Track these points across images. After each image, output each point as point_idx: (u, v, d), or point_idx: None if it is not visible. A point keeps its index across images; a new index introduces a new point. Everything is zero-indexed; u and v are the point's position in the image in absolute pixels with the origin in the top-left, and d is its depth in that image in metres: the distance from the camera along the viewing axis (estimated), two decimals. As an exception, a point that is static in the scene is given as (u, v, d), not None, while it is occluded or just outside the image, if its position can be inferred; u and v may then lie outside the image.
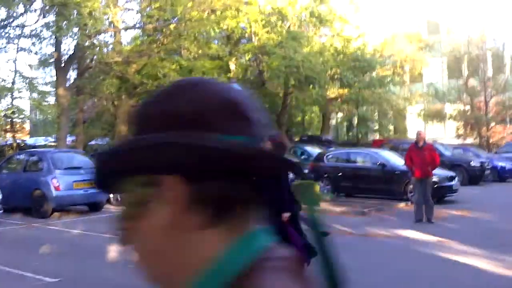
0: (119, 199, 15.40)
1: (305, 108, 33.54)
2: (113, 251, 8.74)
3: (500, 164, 22.39)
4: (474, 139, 33.76)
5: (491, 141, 32.75)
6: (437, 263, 7.55)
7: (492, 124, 33.37)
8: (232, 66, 26.71)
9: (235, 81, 18.43)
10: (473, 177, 20.29)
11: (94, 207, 14.01)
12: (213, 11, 20.63)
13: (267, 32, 26.05)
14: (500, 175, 22.11)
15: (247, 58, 27.59)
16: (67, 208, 13.99)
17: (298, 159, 22.06)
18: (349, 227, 10.84)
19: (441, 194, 14.80)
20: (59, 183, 12.96)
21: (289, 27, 28.07)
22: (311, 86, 27.62)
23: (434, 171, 14.92)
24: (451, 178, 15.13)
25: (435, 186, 14.49)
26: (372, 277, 6.78)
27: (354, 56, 29.42)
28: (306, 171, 17.06)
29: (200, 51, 23.11)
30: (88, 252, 8.67)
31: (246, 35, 27.19)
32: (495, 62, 34.50)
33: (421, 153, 11.48)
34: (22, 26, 20.57)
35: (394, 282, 6.54)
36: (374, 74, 31.17)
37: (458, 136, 34.96)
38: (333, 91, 31.60)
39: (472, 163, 20.61)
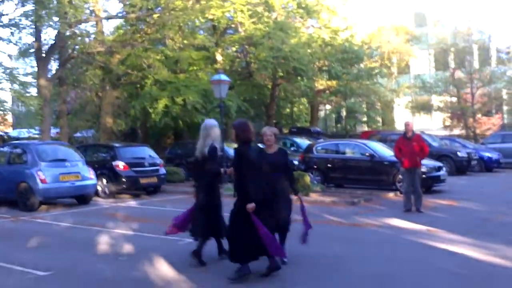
0: (106, 192, 15.29)
1: (294, 99, 33.53)
2: (103, 243, 8.66)
3: (487, 154, 22.63)
4: (461, 130, 34.10)
5: (477, 132, 33.08)
6: (426, 251, 7.60)
7: (478, 115, 33.71)
8: (219, 57, 26.54)
9: (222, 72, 18.25)
10: (460, 167, 20.50)
11: (82, 200, 13.86)
12: (197, 0, 20.39)
13: (254, 22, 25.89)
14: (487, 165, 22.36)
15: (234, 49, 27.42)
16: (55, 201, 13.84)
17: (288, 150, 22.05)
18: (339, 217, 10.88)
19: (429, 184, 14.91)
20: (45, 176, 12.74)
21: (276, 18, 27.96)
22: (299, 77, 27.60)
23: (423, 162, 15.10)
24: (439, 168, 15.22)
25: (423, 176, 14.62)
26: (361, 266, 6.79)
27: (342, 48, 29.42)
28: (296, 162, 17.06)
29: (185, 42, 22.88)
30: (78, 244, 8.56)
31: (233, 25, 26.99)
32: (481, 54, 34.78)
33: (409, 144, 11.53)
34: (0, 15, 20.19)
35: (383, 270, 6.55)
36: (362, 66, 31.23)
37: (445, 127, 35.30)
38: (321, 83, 31.64)
39: (459, 154, 20.79)
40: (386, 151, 15.96)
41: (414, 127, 12.51)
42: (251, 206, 5.93)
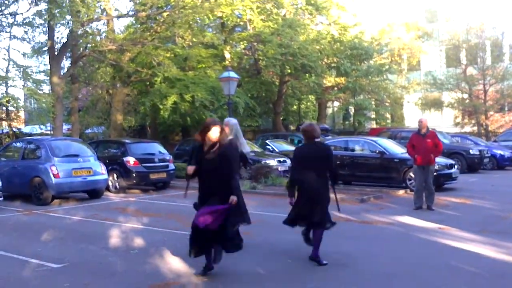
0: (117, 187, 15.42)
1: (301, 96, 33.47)
2: (115, 237, 8.74)
3: (499, 152, 22.45)
4: (472, 128, 33.88)
5: (489, 129, 32.85)
6: (437, 249, 7.55)
7: (491, 112, 33.46)
8: (227, 54, 26.57)
9: (231, 69, 18.28)
10: (472, 165, 20.38)
11: (94, 194, 14.02)
12: (207, -2, 20.47)
13: (263, 20, 25.89)
14: (499, 163, 22.19)
15: (242, 46, 27.44)
16: (67, 196, 14.00)
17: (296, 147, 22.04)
18: (348, 214, 10.81)
19: (440, 182, 14.84)
20: (58, 171, 12.91)
21: (284, 15, 27.94)
22: (307, 74, 27.56)
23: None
24: (451, 166, 15.14)
25: (435, 173, 14.57)
26: (371, 263, 6.77)
27: (351, 44, 29.34)
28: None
29: (194, 39, 22.96)
30: (90, 238, 8.64)
31: (241, 23, 27.01)
32: (494, 50, 34.50)
33: (423, 141, 11.47)
34: (14, 14, 20.41)
35: (393, 268, 6.54)
36: (371, 62, 31.12)
37: (456, 124, 35.05)
38: (329, 80, 31.55)
39: (471, 151, 20.66)
40: (396, 148, 15.92)
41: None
42: None
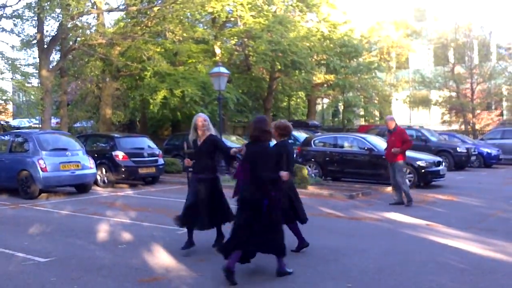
0: (106, 181, 15.35)
1: (291, 93, 33.51)
2: (103, 231, 8.70)
3: (486, 150, 22.69)
4: (460, 126, 34.16)
5: (476, 127, 33.13)
6: (425, 246, 7.61)
7: (478, 111, 33.74)
8: (218, 50, 26.51)
9: (221, 64, 18.24)
10: (459, 162, 20.57)
11: (82, 188, 13.93)
12: (198, -7, 20.40)
13: (253, 16, 25.87)
14: (486, 161, 22.43)
15: (233, 42, 27.38)
16: (54, 190, 13.90)
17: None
18: (337, 210, 10.90)
19: (428, 179, 14.97)
20: (45, 164, 12.80)
21: (275, 11, 27.91)
22: (297, 71, 27.58)
23: (421, 157, 15.21)
24: (438, 164, 15.26)
25: (423, 171, 14.70)
26: (360, 259, 6.81)
27: (340, 42, 29.40)
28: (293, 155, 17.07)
29: (185, 34, 22.87)
30: (77, 232, 8.59)
31: (232, 18, 26.96)
32: (481, 50, 34.76)
33: (389, 138, 11.76)
34: (3, 6, 20.18)
35: (381, 263, 6.58)
36: (361, 60, 31.23)
37: (443, 122, 35.32)
38: (319, 77, 31.60)
39: (459, 149, 20.84)
40: (384, 146, 15.97)
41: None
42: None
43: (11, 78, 21.15)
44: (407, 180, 12.33)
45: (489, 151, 22.68)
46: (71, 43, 20.96)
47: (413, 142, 12.46)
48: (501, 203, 11.99)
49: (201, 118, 7.14)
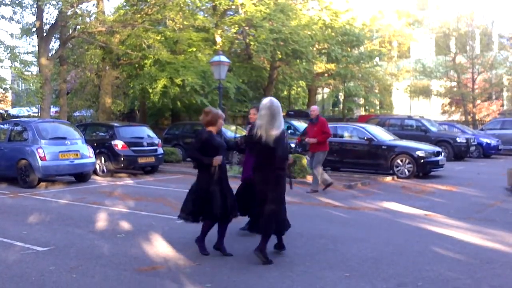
0: (105, 170, 15.36)
1: (292, 82, 33.42)
2: (102, 220, 8.72)
3: (486, 140, 22.67)
4: (460, 116, 34.09)
5: (476, 118, 33.08)
6: (423, 235, 7.62)
7: (478, 101, 33.68)
8: (218, 38, 26.39)
9: (221, 53, 18.17)
10: (459, 153, 20.56)
11: (81, 177, 13.93)
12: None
13: (255, 4, 25.71)
14: (485, 151, 22.42)
15: (233, 30, 27.24)
16: (53, 179, 13.90)
17: (286, 133, 22.06)
18: (336, 200, 10.92)
19: (427, 169, 14.98)
20: (44, 153, 12.79)
21: (276, -1, 27.75)
22: (298, 60, 27.47)
23: (420, 147, 15.24)
24: (438, 154, 15.26)
25: (422, 161, 14.71)
26: (358, 248, 6.82)
27: (342, 31, 29.25)
28: (293, 145, 17.05)
29: (185, 22, 22.74)
30: (76, 221, 8.60)
31: (233, 6, 26.80)
32: (483, 39, 34.61)
33: (312, 128, 11.89)
34: (3, -7, 20.08)
35: (379, 253, 6.59)
36: (362, 49, 31.08)
37: (444, 112, 35.26)
38: (320, 66, 31.49)
39: (458, 139, 20.83)
40: (384, 136, 16.02)
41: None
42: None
43: (10, 66, 21.09)
44: (323, 171, 12.35)
45: (488, 141, 22.67)
46: (70, 31, 20.86)
47: (331, 135, 12.59)
48: (500, 193, 11.99)
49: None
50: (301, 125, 21.88)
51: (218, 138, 6.63)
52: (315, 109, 12.37)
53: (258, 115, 6.36)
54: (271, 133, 6.11)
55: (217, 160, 6.31)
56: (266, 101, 6.35)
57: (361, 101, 34.33)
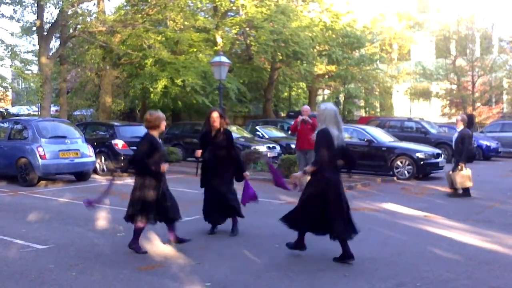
0: (105, 169, 15.37)
1: (292, 84, 33.46)
2: (101, 219, 8.72)
3: (485, 143, 22.67)
4: (460, 119, 34.01)
5: (476, 120, 33.08)
6: (422, 236, 7.63)
7: (478, 104, 33.70)
8: (219, 39, 26.43)
9: (222, 54, 18.20)
10: (458, 155, 20.52)
11: (81, 176, 13.95)
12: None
13: (256, 5, 25.75)
14: (485, 154, 22.41)
15: (234, 31, 27.29)
16: (53, 177, 13.92)
17: (286, 134, 22.11)
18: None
19: (427, 171, 14.99)
20: (44, 152, 12.82)
21: (277, 0, 27.79)
22: (298, 61, 27.51)
23: (420, 149, 15.28)
24: (437, 155, 15.28)
25: (422, 162, 14.72)
26: (357, 249, 6.79)
27: (343, 33, 29.30)
28: (293, 146, 17.08)
29: (186, 23, 22.81)
30: (76, 220, 8.62)
31: (234, 7, 26.84)
32: (483, 42, 34.64)
33: (305, 127, 11.98)
34: (4, -8, 20.13)
35: (378, 253, 6.61)
36: (363, 51, 31.13)
37: (444, 114, 35.29)
38: (320, 67, 31.53)
39: (458, 142, 20.79)
40: (384, 137, 16.02)
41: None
42: None
43: (10, 65, 21.13)
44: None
45: (488, 143, 22.67)
46: (71, 30, 20.91)
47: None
48: (499, 195, 12.03)
49: None
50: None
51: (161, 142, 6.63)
52: (307, 109, 12.54)
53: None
54: None
55: (164, 167, 6.39)
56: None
57: (362, 103, 34.36)
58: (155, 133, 6.50)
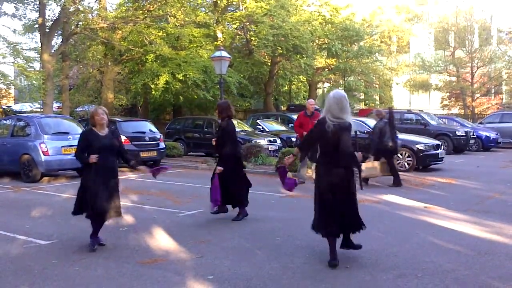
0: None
1: (292, 77, 33.48)
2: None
3: (485, 134, 22.74)
4: (459, 110, 34.10)
5: (475, 111, 33.11)
6: (422, 227, 7.65)
7: (477, 95, 33.69)
8: (219, 34, 26.44)
9: (223, 49, 18.24)
10: (458, 146, 20.62)
11: (84, 172, 13.99)
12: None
13: (255, 0, 25.75)
14: (485, 145, 22.49)
15: (234, 26, 27.29)
16: (56, 173, 13.99)
17: (286, 127, 22.16)
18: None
19: (427, 162, 15.03)
20: (47, 148, 12.89)
21: (277, -5, 27.77)
22: (298, 55, 27.53)
23: (420, 140, 15.33)
24: (437, 147, 15.31)
25: (421, 154, 14.77)
26: (358, 240, 6.82)
27: (342, 26, 29.29)
28: (294, 139, 17.14)
29: (187, 18, 22.84)
30: (79, 215, 8.65)
31: (234, 2, 26.84)
32: (482, 34, 34.58)
33: (309, 121, 12.03)
34: (6, -10, 20.18)
35: (379, 245, 6.65)
36: (362, 44, 31.12)
37: (443, 106, 35.29)
38: (320, 61, 31.53)
39: (458, 133, 20.88)
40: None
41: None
42: None
43: (13, 62, 21.20)
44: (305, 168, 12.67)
45: (487, 134, 22.73)
46: (73, 27, 20.98)
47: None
48: (499, 185, 12.06)
49: None
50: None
51: (103, 138, 6.77)
52: (312, 103, 12.57)
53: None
54: None
55: (92, 158, 6.51)
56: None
57: (361, 95, 34.34)
58: (95, 128, 6.78)
